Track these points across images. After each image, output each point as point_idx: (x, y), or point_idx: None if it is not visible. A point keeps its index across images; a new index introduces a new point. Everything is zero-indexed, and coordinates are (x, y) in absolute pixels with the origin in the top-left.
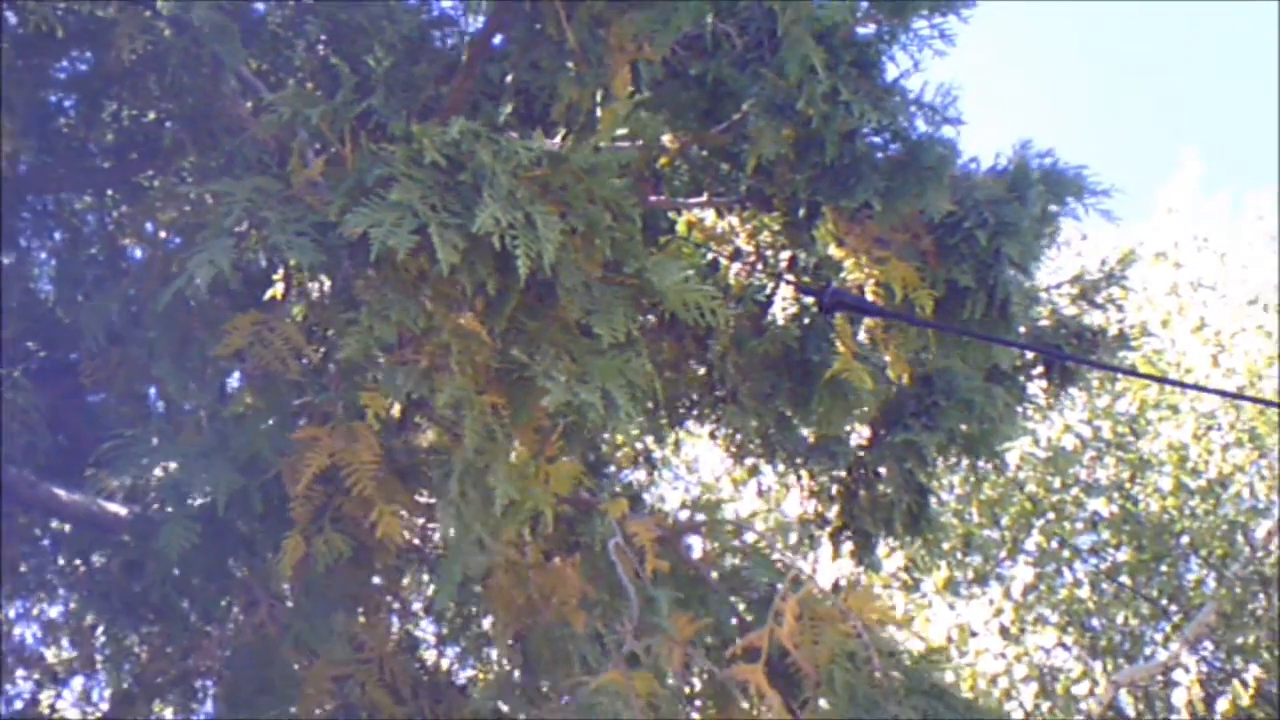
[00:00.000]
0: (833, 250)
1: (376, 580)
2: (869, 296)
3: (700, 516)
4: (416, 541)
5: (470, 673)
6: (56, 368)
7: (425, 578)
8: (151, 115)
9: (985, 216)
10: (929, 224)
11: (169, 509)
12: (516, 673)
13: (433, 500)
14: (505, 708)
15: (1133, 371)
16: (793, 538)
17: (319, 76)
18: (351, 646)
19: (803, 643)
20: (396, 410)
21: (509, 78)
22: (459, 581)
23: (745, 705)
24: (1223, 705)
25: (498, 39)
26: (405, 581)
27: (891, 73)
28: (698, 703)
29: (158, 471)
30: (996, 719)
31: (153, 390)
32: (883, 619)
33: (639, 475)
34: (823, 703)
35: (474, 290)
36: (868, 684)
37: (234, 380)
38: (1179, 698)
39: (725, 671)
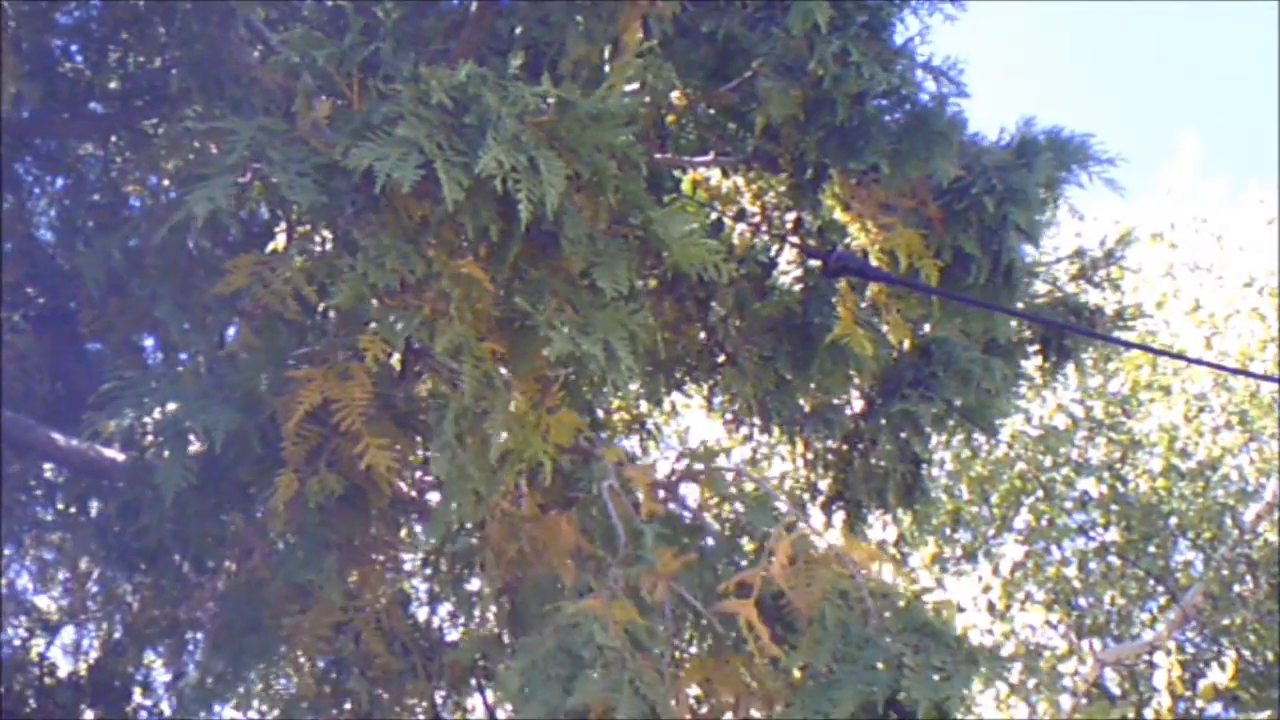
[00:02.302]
0: (838, 214)
1: (371, 531)
2: (874, 262)
3: (699, 465)
4: (413, 494)
5: (459, 632)
6: (56, 314)
7: (420, 534)
8: (158, 62)
9: (993, 183)
10: (936, 189)
11: (166, 452)
12: (503, 626)
13: (429, 453)
14: (486, 662)
15: (1133, 344)
16: (781, 505)
17: (326, 27)
18: (345, 596)
19: (796, 583)
20: (396, 360)
21: (517, 31)
22: (453, 529)
23: (735, 641)
24: (1204, 685)
25: None
26: (400, 535)
27: (900, 36)
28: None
29: (155, 414)
30: (989, 655)
31: (151, 340)
32: (874, 559)
33: (633, 442)
34: (815, 641)
35: (477, 235)
36: (860, 622)
37: (232, 331)
38: (1160, 679)
39: (715, 607)
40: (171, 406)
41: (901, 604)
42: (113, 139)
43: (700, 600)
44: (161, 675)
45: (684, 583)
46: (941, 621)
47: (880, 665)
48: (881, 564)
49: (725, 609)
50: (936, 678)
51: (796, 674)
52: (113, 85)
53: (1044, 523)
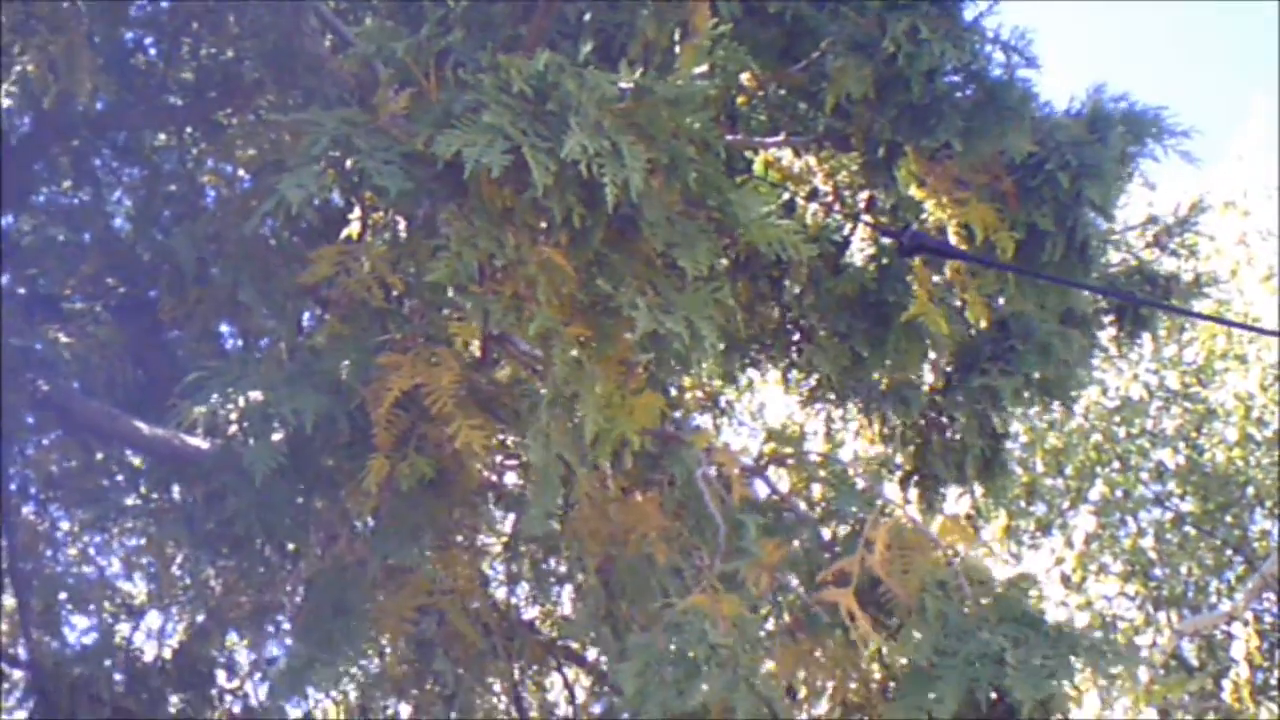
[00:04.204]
0: (913, 191)
1: (455, 515)
2: (951, 237)
3: (786, 449)
4: (493, 479)
5: (536, 611)
6: (135, 304)
7: (499, 515)
8: (230, 53)
9: (1067, 158)
10: (1009, 165)
11: (252, 439)
12: (602, 604)
13: (509, 438)
14: (580, 643)
15: (1208, 316)
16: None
17: (397, 15)
18: (430, 579)
19: (893, 571)
20: (476, 347)
21: (587, 17)
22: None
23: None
24: None
25: None
26: (480, 518)
27: (970, 11)
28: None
29: (240, 401)
30: (1089, 646)
31: (229, 328)
32: (971, 546)
33: (706, 419)
34: (915, 633)
35: (562, 219)
36: (959, 612)
37: (306, 319)
38: (1237, 650)
39: (815, 595)
40: (255, 393)
41: (999, 591)
42: (187, 130)
43: (797, 584)
44: (245, 658)
45: (781, 567)
46: (1038, 609)
47: (980, 661)
48: (974, 544)
49: (825, 598)
50: (1040, 671)
51: (898, 663)
52: (186, 76)
53: (1119, 494)
